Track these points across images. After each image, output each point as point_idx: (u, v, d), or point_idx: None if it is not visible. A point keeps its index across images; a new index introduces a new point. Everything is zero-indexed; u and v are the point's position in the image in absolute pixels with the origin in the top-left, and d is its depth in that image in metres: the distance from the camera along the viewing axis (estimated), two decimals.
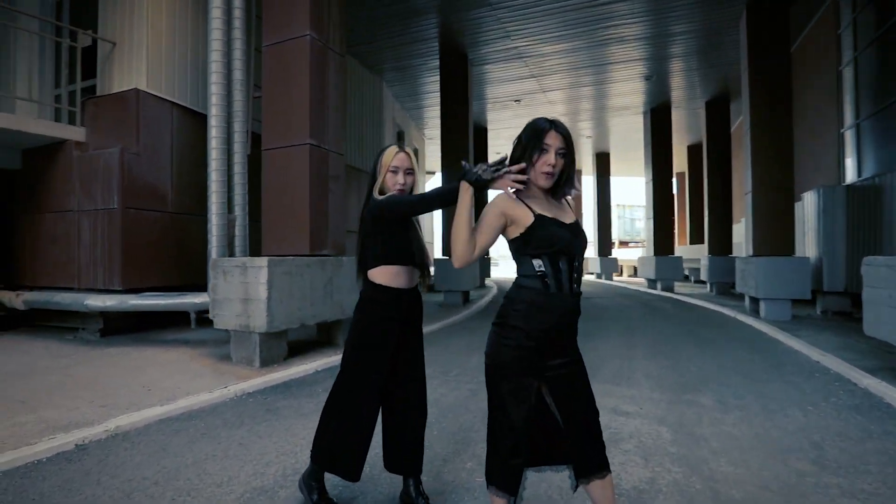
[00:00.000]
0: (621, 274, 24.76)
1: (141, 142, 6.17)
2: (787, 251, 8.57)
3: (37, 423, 3.38)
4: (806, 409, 3.77)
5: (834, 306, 8.52)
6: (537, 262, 1.70)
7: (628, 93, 13.83)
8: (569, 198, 1.83)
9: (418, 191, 2.25)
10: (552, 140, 1.69)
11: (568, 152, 1.72)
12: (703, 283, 17.15)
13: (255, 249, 6.57)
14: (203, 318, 5.75)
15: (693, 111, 15.29)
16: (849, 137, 8.82)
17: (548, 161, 1.69)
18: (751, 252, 8.88)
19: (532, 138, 1.70)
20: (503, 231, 1.74)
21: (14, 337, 6.26)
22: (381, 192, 2.23)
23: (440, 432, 3.34)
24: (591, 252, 23.40)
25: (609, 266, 20.66)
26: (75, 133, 6.43)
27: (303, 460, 2.88)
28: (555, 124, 1.71)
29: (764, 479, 2.61)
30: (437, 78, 12.34)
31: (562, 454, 1.77)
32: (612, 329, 7.75)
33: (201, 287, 6.18)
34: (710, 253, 13.88)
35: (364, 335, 2.18)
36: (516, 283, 1.78)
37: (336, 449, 2.21)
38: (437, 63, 11.59)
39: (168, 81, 6.63)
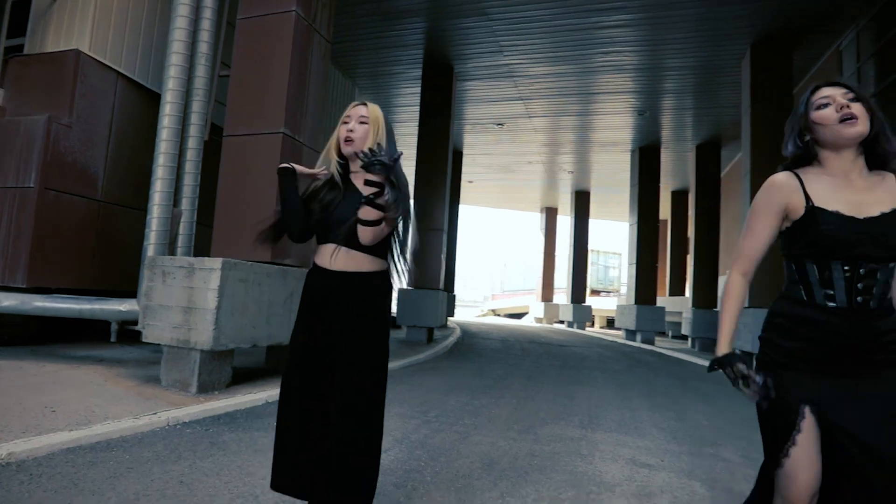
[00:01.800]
0: (593, 325, 25.05)
1: (75, 113, 5.66)
2: None
3: None
4: None
5: None
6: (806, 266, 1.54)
7: (617, 127, 14.31)
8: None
9: (374, 140, 1.89)
10: (829, 91, 1.54)
11: (861, 97, 1.51)
12: (684, 337, 17.50)
13: (199, 254, 6.08)
14: (127, 331, 5.18)
15: (681, 154, 15.97)
16: None
17: (837, 105, 1.49)
18: (746, 304, 9.08)
19: (802, 107, 1.59)
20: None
21: None
22: (339, 153, 1.98)
23: (434, 478, 3.00)
24: (563, 299, 23.64)
25: (583, 314, 20.85)
26: None
27: None
28: (823, 83, 1.59)
29: None
30: (416, 90, 12.36)
31: None
32: (598, 379, 7.62)
33: (128, 294, 5.61)
34: (694, 305, 14.21)
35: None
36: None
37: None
38: (417, 73, 11.63)
39: (115, 47, 6.20)
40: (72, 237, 5.68)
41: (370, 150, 1.74)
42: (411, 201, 1.97)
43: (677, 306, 17.45)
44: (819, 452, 1.47)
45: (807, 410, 1.48)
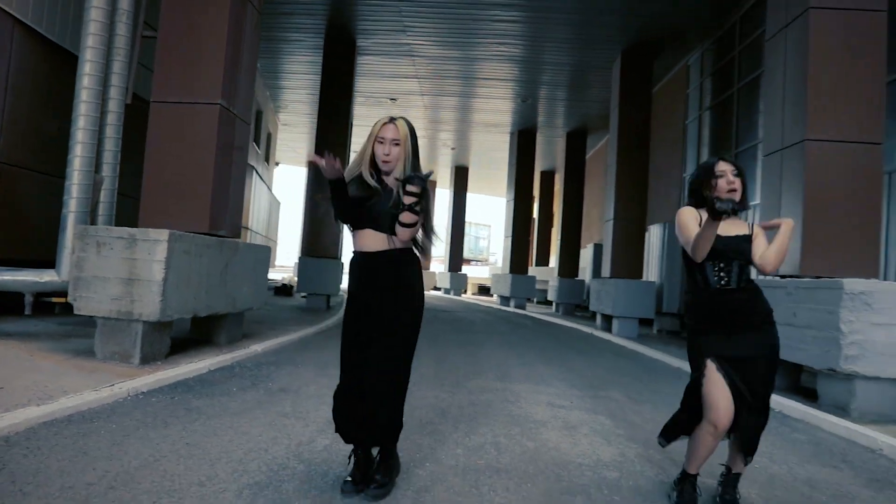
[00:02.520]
0: (466, 291, 26.55)
1: None
2: (638, 275, 10.43)
3: None
4: None
5: (668, 326, 10.61)
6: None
7: (500, 111, 15.26)
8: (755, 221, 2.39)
9: (405, 163, 2.36)
10: (724, 167, 2.33)
11: (741, 173, 2.34)
12: (549, 303, 19.45)
13: (119, 222, 5.68)
14: (42, 302, 4.81)
15: (551, 139, 17.47)
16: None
17: (727, 180, 2.30)
18: (608, 274, 10.57)
19: (704, 174, 2.37)
20: None
21: None
22: (372, 163, 2.35)
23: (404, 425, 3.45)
24: (440, 267, 24.70)
25: (459, 282, 22.06)
26: None
27: (280, 456, 2.77)
28: (720, 158, 2.39)
29: None
30: (310, 59, 12.12)
31: None
32: (492, 340, 8.51)
33: (33, 263, 5.11)
34: (559, 275, 15.90)
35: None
36: None
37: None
38: (315, 42, 11.36)
39: None
40: None
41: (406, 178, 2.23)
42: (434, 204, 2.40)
43: (543, 275, 19.28)
44: (728, 388, 2.25)
45: (708, 362, 2.30)
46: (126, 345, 4.33)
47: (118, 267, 4.27)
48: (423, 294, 2.44)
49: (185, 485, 2.34)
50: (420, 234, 2.41)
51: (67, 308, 5.90)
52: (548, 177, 20.65)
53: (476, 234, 31.65)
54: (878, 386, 4.17)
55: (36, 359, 4.25)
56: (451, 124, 17.11)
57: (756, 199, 7.48)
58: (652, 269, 10.91)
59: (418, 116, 16.00)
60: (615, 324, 10.16)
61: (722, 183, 2.29)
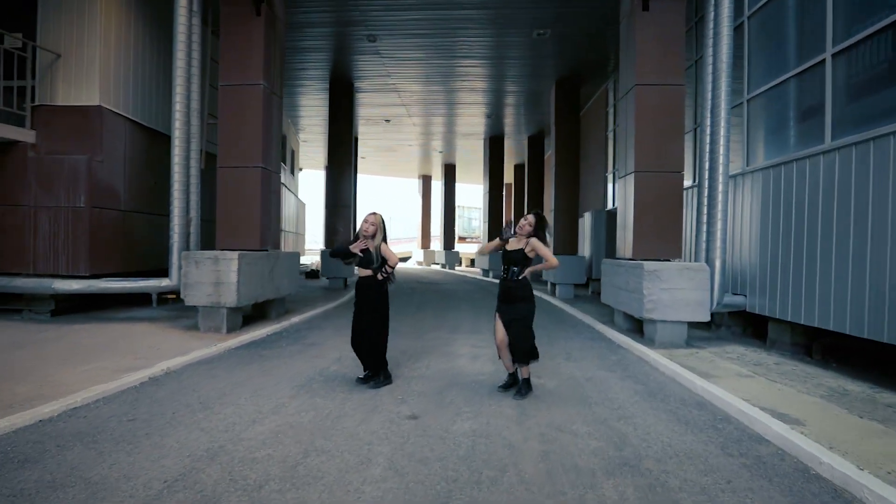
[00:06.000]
0: (461, 265, 28.51)
1: (103, 152, 6.83)
2: (574, 251, 12.30)
3: (106, 370, 4.60)
4: (581, 340, 6.74)
5: (598, 289, 12.50)
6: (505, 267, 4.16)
7: (474, 125, 16.93)
8: (529, 240, 4.06)
9: (377, 231, 4.30)
10: (523, 220, 4.11)
11: (530, 224, 4.07)
12: None
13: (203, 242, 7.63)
14: (160, 297, 6.79)
15: (519, 141, 19.14)
16: (610, 179, 12.92)
17: (521, 227, 4.08)
18: (552, 251, 12.43)
19: (513, 222, 4.18)
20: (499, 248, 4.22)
21: None
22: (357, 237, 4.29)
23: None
24: (437, 245, 26.62)
25: (452, 258, 24.00)
26: (25, 135, 6.73)
27: (315, 374, 4.74)
28: (523, 216, 4.14)
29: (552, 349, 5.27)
30: (317, 97, 13.87)
31: None
32: (462, 305, 10.46)
33: (146, 273, 7.12)
34: None
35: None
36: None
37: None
38: (323, 86, 13.10)
39: (120, 97, 7.28)
40: (110, 237, 6.99)
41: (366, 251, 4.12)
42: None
43: None
44: (504, 326, 4.18)
45: (497, 315, 4.19)
46: (217, 321, 6.34)
47: (209, 276, 6.25)
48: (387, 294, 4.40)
49: (273, 384, 4.34)
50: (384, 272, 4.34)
51: (175, 301, 7.90)
52: (520, 168, 22.31)
53: (469, 216, 33.46)
54: (665, 326, 6.08)
55: (168, 332, 6.27)
56: (437, 135, 18.80)
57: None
58: (585, 247, 12.75)
59: (408, 132, 17.76)
60: (557, 289, 12.08)
61: (522, 223, 4.10)
